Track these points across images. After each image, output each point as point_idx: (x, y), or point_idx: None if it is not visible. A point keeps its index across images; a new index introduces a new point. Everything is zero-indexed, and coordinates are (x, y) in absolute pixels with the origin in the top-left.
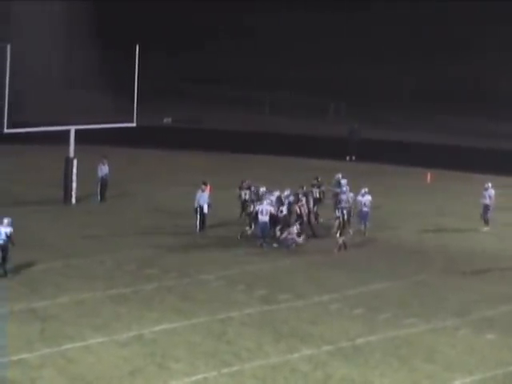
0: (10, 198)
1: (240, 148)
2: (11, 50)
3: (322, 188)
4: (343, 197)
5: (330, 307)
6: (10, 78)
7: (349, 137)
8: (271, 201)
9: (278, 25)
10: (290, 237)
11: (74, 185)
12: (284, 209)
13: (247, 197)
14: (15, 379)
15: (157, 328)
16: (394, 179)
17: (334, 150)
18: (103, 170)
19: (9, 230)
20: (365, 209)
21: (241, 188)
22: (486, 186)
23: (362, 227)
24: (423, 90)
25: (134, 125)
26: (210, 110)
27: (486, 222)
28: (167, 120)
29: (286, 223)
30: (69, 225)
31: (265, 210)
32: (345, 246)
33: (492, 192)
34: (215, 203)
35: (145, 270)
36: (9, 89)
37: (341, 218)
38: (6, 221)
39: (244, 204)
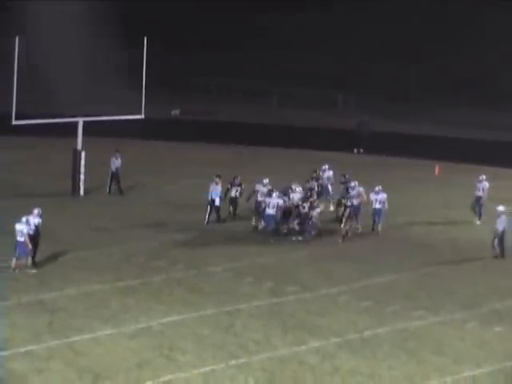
0: (18, 190)
1: (249, 140)
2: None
3: (320, 181)
4: (353, 192)
5: (338, 299)
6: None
7: (357, 129)
8: (280, 194)
9: (289, 23)
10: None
11: (82, 177)
12: (306, 205)
13: (237, 194)
14: (23, 371)
15: (165, 320)
16: (402, 171)
17: (343, 142)
18: (115, 163)
19: (37, 220)
20: (378, 206)
21: (232, 184)
22: (480, 178)
23: (377, 225)
24: (433, 82)
25: (142, 117)
26: (220, 103)
27: (479, 214)
28: (175, 112)
29: (306, 219)
30: (77, 217)
31: (272, 203)
32: (347, 234)
33: (486, 184)
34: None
35: (153, 262)
36: (22, 83)
37: (350, 209)
38: (36, 211)
39: (234, 201)
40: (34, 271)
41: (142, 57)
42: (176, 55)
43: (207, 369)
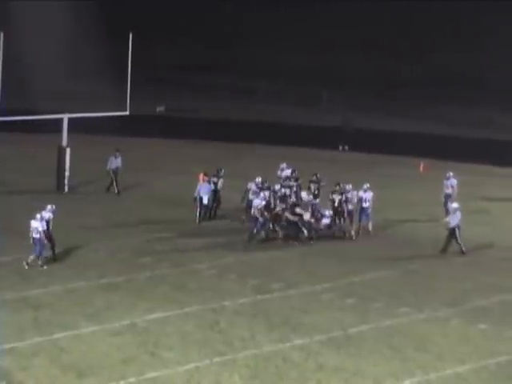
0: (3, 187)
1: (234, 137)
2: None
3: (322, 183)
4: (350, 195)
5: (323, 297)
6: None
7: (342, 126)
8: (265, 195)
9: (272, 16)
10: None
11: (67, 173)
12: (306, 213)
13: (219, 186)
14: (7, 368)
15: (149, 317)
16: (387, 169)
17: (327, 139)
18: (114, 162)
19: (48, 215)
20: (365, 205)
21: (218, 177)
22: (448, 175)
23: (367, 224)
24: (417, 79)
25: (128, 113)
26: (205, 99)
27: (447, 212)
28: (160, 109)
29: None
30: (62, 213)
31: (255, 204)
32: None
33: (454, 181)
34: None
35: (138, 259)
36: (8, 76)
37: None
38: (48, 207)
39: (218, 195)
40: (44, 267)
41: (127, 53)
42: (162, 52)
43: (192, 365)
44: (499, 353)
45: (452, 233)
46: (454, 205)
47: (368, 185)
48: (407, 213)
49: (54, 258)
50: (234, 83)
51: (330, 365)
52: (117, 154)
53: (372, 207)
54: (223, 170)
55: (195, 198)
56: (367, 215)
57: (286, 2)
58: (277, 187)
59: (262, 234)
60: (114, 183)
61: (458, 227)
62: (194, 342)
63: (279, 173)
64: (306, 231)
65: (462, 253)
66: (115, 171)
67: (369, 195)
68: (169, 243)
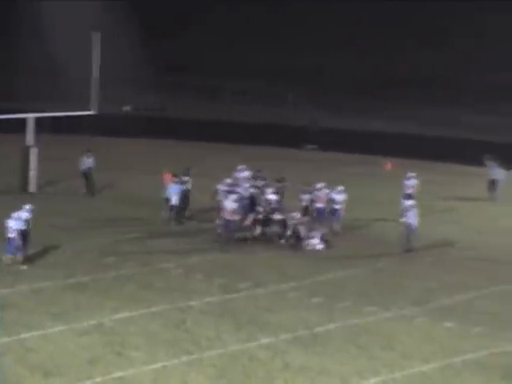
0: None
1: (201, 136)
2: None
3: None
4: (319, 194)
5: (290, 295)
6: None
7: (308, 125)
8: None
9: (238, 16)
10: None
11: (33, 173)
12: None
13: (190, 186)
14: None
15: (116, 316)
16: (355, 168)
17: (294, 138)
18: (86, 163)
19: (25, 215)
20: (337, 206)
21: (189, 177)
22: (408, 175)
23: (335, 225)
24: (384, 78)
25: (94, 112)
26: (171, 99)
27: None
28: (126, 108)
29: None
30: None
31: (226, 207)
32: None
33: (414, 181)
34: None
35: (105, 258)
36: None
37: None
38: (27, 207)
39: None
40: (24, 267)
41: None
42: (127, 50)
43: (158, 365)
44: (464, 351)
45: (412, 230)
46: (410, 202)
47: (342, 187)
48: (375, 212)
49: (26, 260)
50: (200, 83)
51: (297, 364)
52: (89, 154)
53: (342, 210)
54: (192, 170)
55: (166, 199)
56: (338, 217)
57: (252, 1)
58: (243, 188)
59: (244, 234)
60: (85, 184)
61: (414, 226)
62: (160, 342)
63: (236, 174)
64: (289, 231)
65: (408, 251)
66: (87, 172)
67: (341, 197)
68: (136, 243)
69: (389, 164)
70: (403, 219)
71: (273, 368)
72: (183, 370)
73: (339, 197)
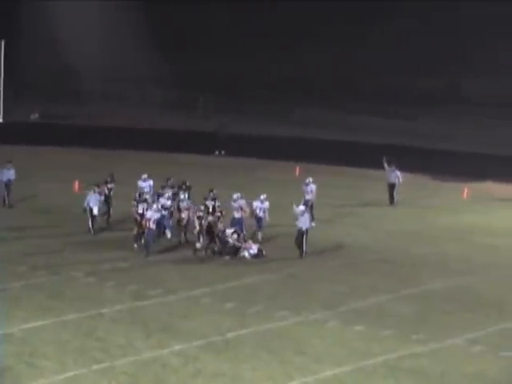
0: None
1: (110, 143)
2: None
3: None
4: (235, 205)
5: (202, 301)
6: None
7: (217, 131)
8: (158, 207)
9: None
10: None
11: None
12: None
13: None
14: None
15: (25, 326)
16: (263, 173)
17: (203, 144)
18: (7, 174)
19: None
20: (261, 214)
21: (112, 183)
22: (307, 180)
23: (258, 233)
24: (291, 84)
25: (1, 121)
26: (78, 106)
27: (311, 216)
28: (34, 116)
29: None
30: None
31: (149, 215)
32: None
33: (313, 187)
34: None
35: (13, 267)
36: None
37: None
38: None
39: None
40: None
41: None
42: (33, 58)
43: (69, 374)
44: (375, 354)
45: (302, 234)
46: (301, 207)
47: (265, 195)
48: (285, 216)
49: None
50: (106, 89)
51: (209, 370)
52: (8, 165)
53: (266, 218)
54: (114, 177)
55: (85, 209)
56: (261, 224)
57: (163, 5)
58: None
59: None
60: (7, 196)
61: (307, 230)
62: (71, 351)
63: (140, 183)
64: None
65: (301, 256)
66: (7, 183)
67: (265, 205)
68: (45, 252)
69: (297, 169)
70: (296, 223)
71: (185, 375)
72: (95, 378)
73: (263, 205)
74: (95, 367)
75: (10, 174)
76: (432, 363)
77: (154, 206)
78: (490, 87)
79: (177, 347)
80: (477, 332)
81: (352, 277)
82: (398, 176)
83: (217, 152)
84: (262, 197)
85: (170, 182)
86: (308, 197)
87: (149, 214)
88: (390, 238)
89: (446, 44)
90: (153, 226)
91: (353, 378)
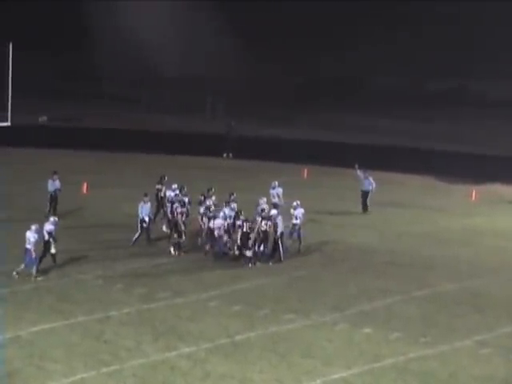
0: None
1: (119, 146)
2: None
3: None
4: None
5: (209, 304)
6: None
7: (226, 134)
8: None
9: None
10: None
11: None
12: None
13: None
14: None
15: (34, 329)
16: (272, 176)
17: (211, 147)
18: (52, 185)
19: (50, 227)
20: (296, 221)
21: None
22: (273, 184)
23: (299, 241)
24: (302, 86)
25: (9, 124)
26: (87, 108)
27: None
28: (42, 119)
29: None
30: None
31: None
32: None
33: (279, 190)
34: (95, 203)
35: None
36: None
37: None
38: (51, 219)
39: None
40: (39, 278)
41: (8, 63)
42: (42, 61)
43: (78, 377)
44: (384, 356)
45: (280, 238)
46: (273, 211)
47: (298, 202)
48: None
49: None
50: (117, 92)
51: (217, 372)
52: (55, 176)
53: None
54: (166, 178)
55: (141, 220)
56: (299, 232)
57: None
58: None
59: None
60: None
61: (282, 234)
62: (79, 354)
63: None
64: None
65: (280, 260)
66: (53, 195)
67: (299, 212)
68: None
69: (305, 171)
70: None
71: (193, 377)
72: (103, 381)
73: (297, 212)
74: (104, 370)
75: (56, 184)
76: (441, 365)
77: (221, 213)
78: (500, 89)
79: (185, 350)
80: (486, 334)
81: (361, 279)
82: (371, 183)
83: (225, 154)
84: (294, 203)
85: (184, 191)
86: (274, 200)
87: (217, 222)
88: (398, 240)
89: (457, 45)
90: (221, 233)
91: (361, 380)
